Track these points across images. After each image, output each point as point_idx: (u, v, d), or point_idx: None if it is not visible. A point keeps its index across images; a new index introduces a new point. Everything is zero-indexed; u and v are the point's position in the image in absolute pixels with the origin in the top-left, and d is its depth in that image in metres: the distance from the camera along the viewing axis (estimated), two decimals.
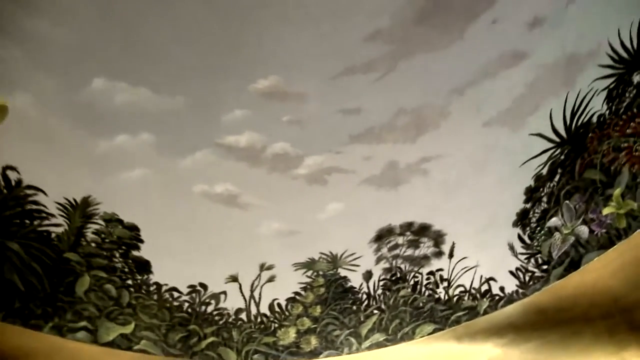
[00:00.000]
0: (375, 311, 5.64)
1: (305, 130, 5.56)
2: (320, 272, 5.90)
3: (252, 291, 5.77)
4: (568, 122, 4.80)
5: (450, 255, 5.66)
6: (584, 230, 4.47)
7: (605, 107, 4.53)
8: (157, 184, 5.48)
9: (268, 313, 5.70)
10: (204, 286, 5.63)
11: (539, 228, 4.99)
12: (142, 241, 5.48)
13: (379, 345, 5.32)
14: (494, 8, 4.91)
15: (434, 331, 5.29)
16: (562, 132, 4.89)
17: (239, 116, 5.48)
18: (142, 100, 5.26)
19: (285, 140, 5.67)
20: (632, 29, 4.29)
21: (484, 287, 5.28)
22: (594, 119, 4.64)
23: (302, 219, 5.95)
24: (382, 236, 5.93)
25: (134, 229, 5.52)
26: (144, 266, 5.51)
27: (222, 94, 5.28)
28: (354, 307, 5.69)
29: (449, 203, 5.70)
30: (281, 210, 5.86)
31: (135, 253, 5.45)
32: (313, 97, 5.41)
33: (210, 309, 5.57)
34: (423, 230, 5.83)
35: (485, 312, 5.15)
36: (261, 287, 5.81)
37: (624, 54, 4.35)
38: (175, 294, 5.50)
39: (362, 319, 5.60)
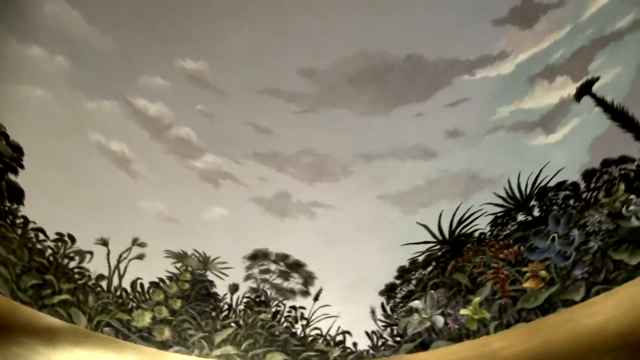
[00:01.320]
0: (233, 324, 5.80)
1: (214, 126, 5.58)
2: (189, 268, 5.93)
3: (118, 262, 5.61)
4: (454, 227, 5.59)
5: (315, 299, 6.05)
6: (439, 320, 5.21)
7: (488, 228, 5.40)
8: (56, 114, 5.16)
9: (129, 289, 5.57)
10: (72, 239, 5.36)
11: (401, 304, 5.65)
12: (22, 167, 5.09)
13: (228, 357, 5.47)
14: (425, 104, 5.36)
15: None
16: (446, 233, 5.64)
17: (158, 84, 5.37)
18: (71, 22, 5.02)
19: (192, 128, 5.68)
20: (529, 178, 5.24)
21: (339, 338, 5.75)
22: (476, 234, 5.47)
23: (186, 211, 5.95)
24: (257, 257, 6.15)
25: (17, 150, 5.12)
26: (17, 195, 5.11)
27: (150, 55, 5.14)
28: (213, 314, 5.79)
29: (327, 251, 6.06)
30: (168, 194, 5.81)
31: (11, 177, 5.04)
32: (233, 100, 5.46)
33: (72, 264, 5.30)
34: (297, 266, 6.17)
35: None
36: (128, 261, 5.67)
37: (517, 194, 5.28)
38: (41, 236, 5.15)
39: (218, 327, 5.72)
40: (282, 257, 6.19)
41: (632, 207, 4.64)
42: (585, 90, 4.80)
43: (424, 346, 5.31)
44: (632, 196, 4.61)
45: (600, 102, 4.70)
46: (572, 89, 4.87)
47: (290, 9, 4.97)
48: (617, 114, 4.60)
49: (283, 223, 6.03)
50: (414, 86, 5.28)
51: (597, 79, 4.72)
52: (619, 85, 4.59)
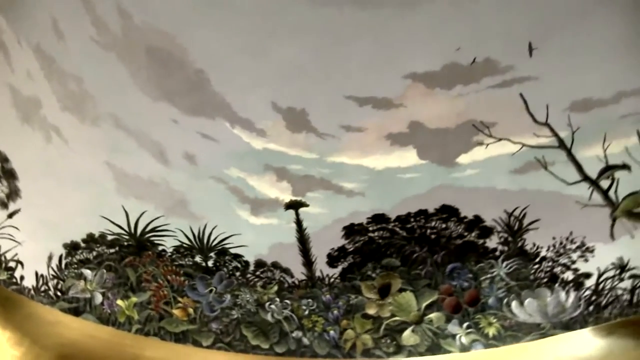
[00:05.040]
0: None
1: None
2: None
3: None
4: (147, 230, 5.67)
5: (10, 216, 5.94)
6: (99, 298, 5.71)
7: (171, 250, 5.65)
8: None
9: None
10: None
11: (76, 265, 5.79)
12: None
13: None
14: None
15: None
16: (139, 231, 5.71)
17: None
18: None
19: None
20: (220, 235, 5.41)
21: (11, 264, 5.95)
22: (159, 248, 5.68)
23: None
24: None
25: None
26: None
27: None
28: None
29: (41, 182, 5.96)
30: None
31: None
32: None
33: None
34: (10, 175, 5.92)
35: None
36: None
37: (204, 241, 5.48)
38: None
39: None
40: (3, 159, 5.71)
41: (273, 306, 5.21)
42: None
43: (75, 312, 5.76)
44: (278, 299, 5.14)
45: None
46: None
47: None
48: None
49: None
50: None
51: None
52: None
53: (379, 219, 5.04)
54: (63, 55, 5.44)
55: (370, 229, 5.07)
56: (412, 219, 4.99)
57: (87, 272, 5.84)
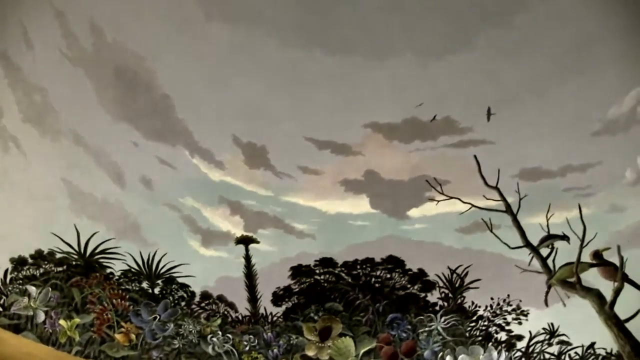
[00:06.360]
0: None
1: None
2: None
3: None
4: (96, 251, 5.61)
5: None
6: (41, 316, 5.44)
7: (119, 273, 5.61)
8: None
9: None
10: None
11: (21, 281, 5.70)
12: None
13: None
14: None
15: None
16: (88, 251, 5.66)
17: None
18: None
19: None
20: (169, 263, 5.41)
21: None
22: (107, 270, 5.66)
23: None
24: None
25: None
26: None
27: None
28: None
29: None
30: None
31: None
32: None
33: None
34: None
35: None
36: None
37: (152, 268, 5.46)
38: None
39: None
40: None
41: (215, 339, 5.21)
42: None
43: (16, 329, 5.65)
44: (220, 332, 5.15)
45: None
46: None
47: None
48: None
49: None
50: None
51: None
52: None
53: (326, 262, 5.11)
54: (30, 66, 5.40)
55: (317, 271, 5.14)
56: (358, 266, 5.07)
57: (32, 289, 5.74)
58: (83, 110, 5.53)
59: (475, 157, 4.78)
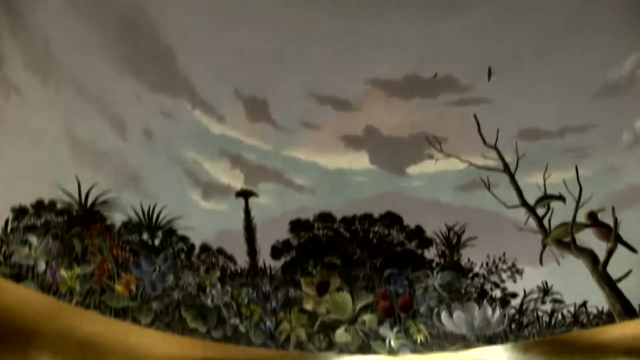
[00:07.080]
0: None
1: None
2: None
3: None
4: (97, 202, 5.64)
5: None
6: (42, 266, 5.33)
7: (119, 224, 5.63)
8: None
9: None
10: None
11: (23, 231, 5.76)
12: None
13: None
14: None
15: None
16: (89, 202, 5.68)
17: None
18: None
19: None
20: (168, 215, 5.44)
21: None
22: (108, 221, 5.68)
23: None
24: None
25: None
26: None
27: None
28: None
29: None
30: None
31: None
32: None
33: None
34: None
35: None
36: None
37: (153, 219, 5.49)
38: None
39: None
40: None
41: (214, 291, 5.30)
42: None
43: (17, 278, 5.71)
44: (219, 285, 5.23)
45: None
46: None
47: None
48: None
49: None
50: None
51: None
52: None
53: (325, 217, 5.16)
54: (32, 12, 5.34)
55: (316, 226, 5.19)
56: (357, 222, 5.12)
57: (33, 239, 5.78)
58: (86, 61, 5.50)
59: (474, 116, 4.79)
